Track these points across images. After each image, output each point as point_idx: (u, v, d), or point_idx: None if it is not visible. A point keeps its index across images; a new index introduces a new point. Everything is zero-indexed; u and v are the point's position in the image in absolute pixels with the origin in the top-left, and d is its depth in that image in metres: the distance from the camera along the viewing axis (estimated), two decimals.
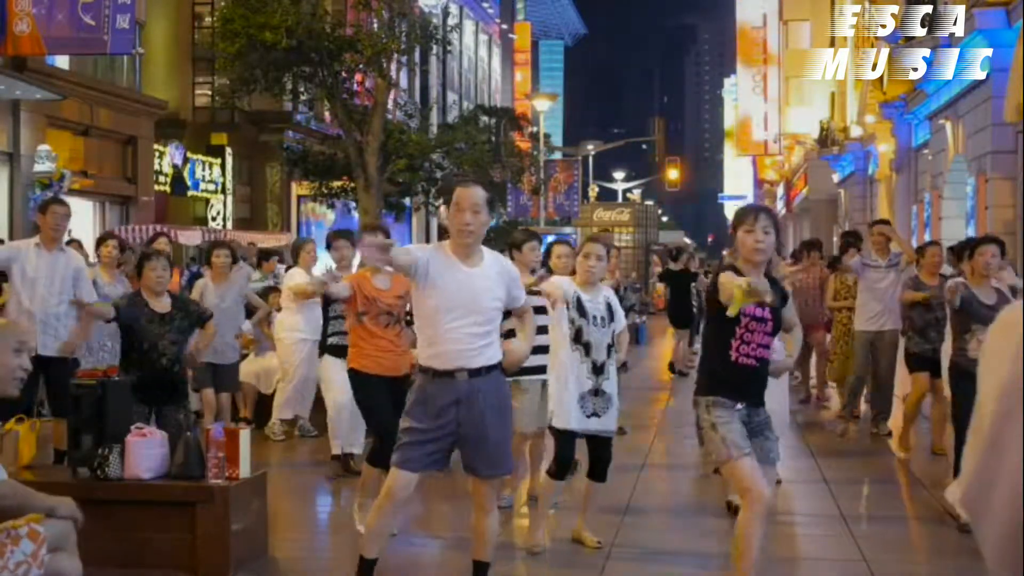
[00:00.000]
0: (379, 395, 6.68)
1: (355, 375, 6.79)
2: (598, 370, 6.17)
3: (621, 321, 6.42)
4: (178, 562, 5.68)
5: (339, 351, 7.80)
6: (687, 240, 57.41)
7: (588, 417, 6.17)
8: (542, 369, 6.91)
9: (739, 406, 4.81)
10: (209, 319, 7.18)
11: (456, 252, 4.93)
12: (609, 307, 6.27)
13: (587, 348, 6.19)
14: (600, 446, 6.30)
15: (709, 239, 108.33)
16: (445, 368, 4.88)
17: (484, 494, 5.05)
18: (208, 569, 5.66)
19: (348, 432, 8.42)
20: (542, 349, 6.82)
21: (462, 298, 4.85)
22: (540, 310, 6.81)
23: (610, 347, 6.21)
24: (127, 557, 5.64)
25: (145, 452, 5.77)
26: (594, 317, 6.21)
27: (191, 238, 19.95)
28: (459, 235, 4.88)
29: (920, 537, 6.97)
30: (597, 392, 6.16)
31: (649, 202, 58.10)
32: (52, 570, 4.15)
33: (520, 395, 7.26)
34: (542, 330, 6.89)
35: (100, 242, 10.10)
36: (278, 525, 6.67)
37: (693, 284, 15.82)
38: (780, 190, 56.88)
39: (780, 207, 57.51)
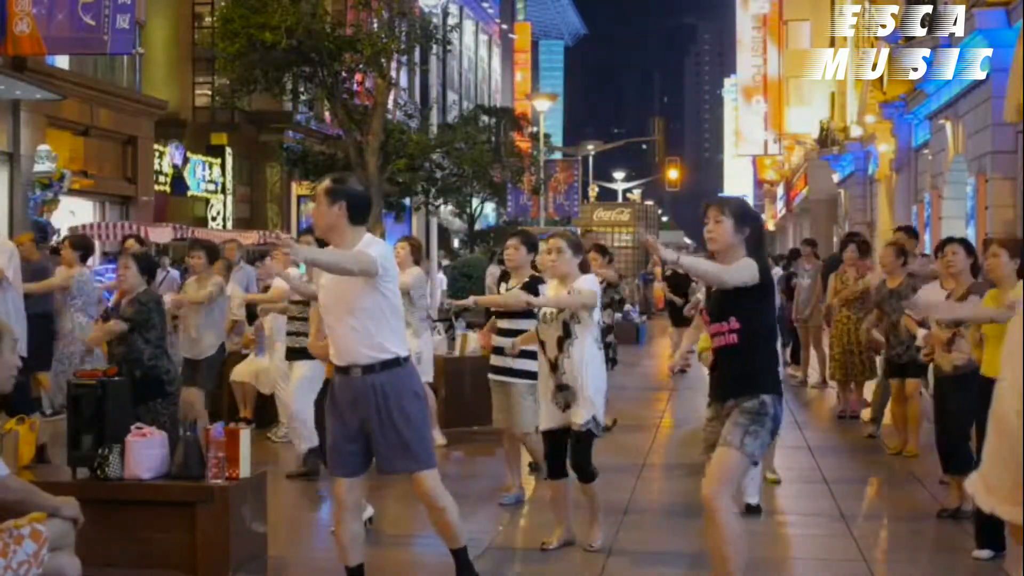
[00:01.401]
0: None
1: None
2: (553, 366, 6.14)
3: (581, 284, 6.15)
4: (178, 562, 5.68)
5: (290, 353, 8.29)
6: (687, 240, 57.40)
7: (563, 412, 6.13)
8: (532, 374, 6.94)
9: (708, 401, 5.01)
10: (122, 319, 6.85)
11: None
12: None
13: (543, 346, 6.21)
14: (573, 439, 6.16)
15: None
16: (340, 364, 5.05)
17: (419, 490, 5.12)
18: (208, 569, 5.66)
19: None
20: (531, 353, 6.89)
21: (334, 297, 5.01)
22: (530, 315, 6.87)
23: (561, 339, 6.10)
24: (127, 557, 5.64)
25: (145, 452, 5.77)
26: (544, 315, 6.20)
27: (161, 235, 18.94)
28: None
29: (919, 537, 6.97)
30: (560, 387, 6.11)
31: (649, 202, 58.05)
32: (52, 569, 4.16)
33: (508, 396, 7.24)
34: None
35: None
36: (278, 525, 6.67)
37: (693, 284, 15.76)
38: (780, 190, 56.90)
39: (780, 207, 57.56)
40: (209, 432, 5.81)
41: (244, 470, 5.78)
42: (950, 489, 7.15)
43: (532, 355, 6.98)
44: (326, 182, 5.04)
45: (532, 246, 7.21)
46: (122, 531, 5.67)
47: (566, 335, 6.11)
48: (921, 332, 7.16)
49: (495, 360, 7.34)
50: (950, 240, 7.32)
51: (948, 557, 6.38)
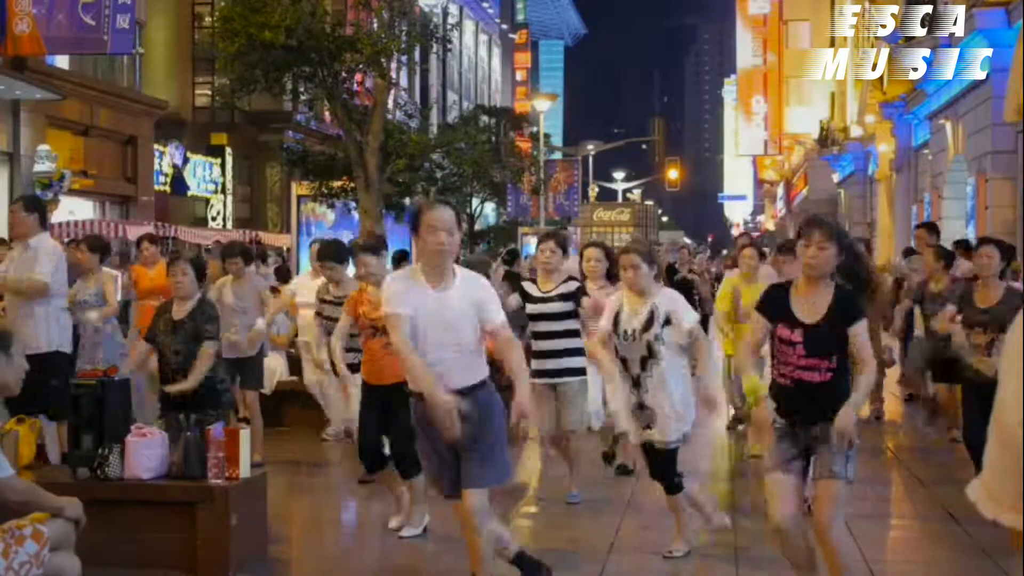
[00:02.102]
0: (364, 400, 6.77)
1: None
2: (635, 383, 6.00)
3: (685, 323, 5.96)
4: (178, 562, 5.69)
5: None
6: (686, 240, 57.44)
7: (644, 429, 6.03)
8: (582, 371, 7.21)
9: (779, 423, 4.85)
10: (209, 339, 6.57)
11: (426, 274, 4.88)
12: (651, 317, 5.95)
13: (624, 363, 6.05)
14: (654, 455, 6.12)
15: (709, 239, 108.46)
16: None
17: (464, 508, 4.97)
18: (208, 569, 5.66)
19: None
20: (579, 351, 7.13)
21: (433, 323, 4.82)
22: (572, 314, 7.13)
23: (645, 359, 5.94)
24: (127, 557, 5.64)
25: (145, 452, 5.77)
26: (624, 332, 5.99)
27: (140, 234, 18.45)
28: (432, 256, 4.84)
29: (920, 537, 6.97)
30: (641, 406, 5.99)
31: (649, 202, 58.07)
32: (52, 569, 4.16)
33: (557, 397, 7.24)
34: (575, 333, 7.17)
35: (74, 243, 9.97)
36: (278, 525, 6.67)
37: (695, 293, 15.57)
38: (780, 190, 56.92)
39: (780, 207, 57.58)
40: (209, 432, 5.80)
41: (244, 470, 5.78)
42: None
43: (580, 352, 7.18)
44: (451, 210, 4.94)
45: (565, 249, 7.44)
46: (122, 531, 5.66)
47: (650, 355, 5.95)
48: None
49: (537, 364, 7.23)
50: (986, 240, 7.25)
51: (948, 557, 6.38)
